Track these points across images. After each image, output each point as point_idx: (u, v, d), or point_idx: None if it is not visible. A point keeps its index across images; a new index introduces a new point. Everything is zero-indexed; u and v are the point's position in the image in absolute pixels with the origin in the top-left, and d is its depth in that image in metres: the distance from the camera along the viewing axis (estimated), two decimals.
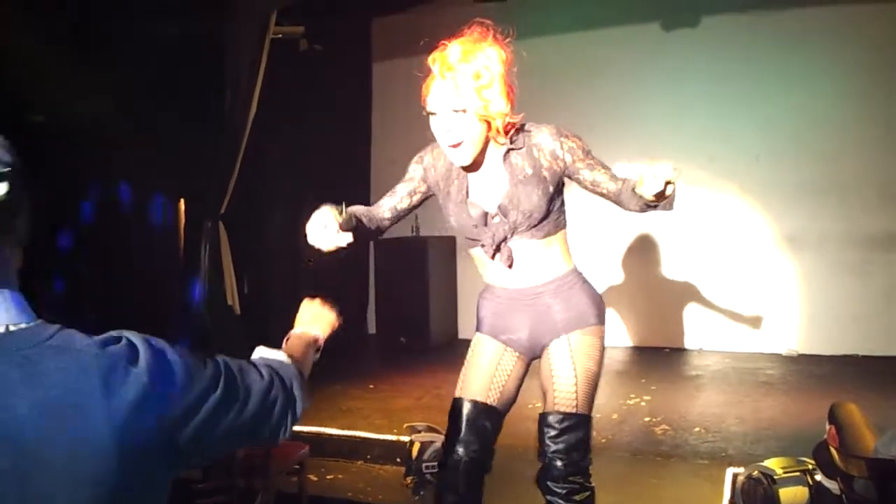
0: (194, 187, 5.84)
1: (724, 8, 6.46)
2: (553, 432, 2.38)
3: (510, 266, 2.42)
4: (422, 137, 8.57)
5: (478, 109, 2.25)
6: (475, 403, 2.45)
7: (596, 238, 6.89)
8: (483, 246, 2.41)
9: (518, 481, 3.68)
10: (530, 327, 2.49)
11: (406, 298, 6.94)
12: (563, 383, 2.42)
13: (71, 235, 5.55)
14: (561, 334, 2.45)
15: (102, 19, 5.27)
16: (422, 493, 3.77)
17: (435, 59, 2.29)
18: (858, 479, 2.67)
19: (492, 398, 2.48)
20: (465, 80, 2.23)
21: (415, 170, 2.56)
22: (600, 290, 7.33)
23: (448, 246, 7.41)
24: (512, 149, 2.39)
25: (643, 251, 6.81)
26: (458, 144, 2.30)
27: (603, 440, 4.31)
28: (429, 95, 2.30)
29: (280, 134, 6.47)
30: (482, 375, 2.49)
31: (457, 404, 2.49)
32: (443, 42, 2.33)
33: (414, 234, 7.26)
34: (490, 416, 2.46)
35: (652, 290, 6.80)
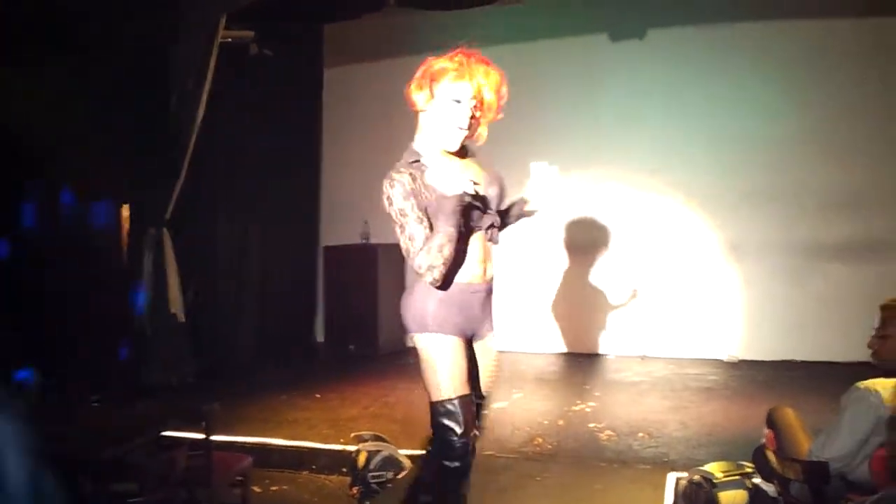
0: (138, 193, 5.73)
1: (671, 21, 6.60)
2: (485, 410, 2.89)
3: (497, 244, 2.76)
4: (373, 145, 8.55)
5: (486, 115, 2.70)
6: (464, 396, 2.66)
7: (543, 247, 6.96)
8: (490, 228, 2.70)
9: None
10: (479, 318, 2.77)
11: (355, 306, 6.90)
12: (493, 371, 2.89)
13: (9, 241, 5.39)
14: (490, 327, 2.85)
15: (45, 19, 5.14)
16: (367, 502, 3.74)
17: (462, 63, 2.63)
18: (794, 482, 2.73)
19: (469, 386, 2.70)
20: (489, 93, 2.67)
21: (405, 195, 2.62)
22: (546, 297, 7.41)
23: (398, 254, 7.34)
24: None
25: (589, 259, 6.89)
26: (462, 129, 2.65)
27: (549, 446, 4.34)
28: (454, 83, 2.60)
29: (228, 139, 6.39)
30: (464, 372, 2.68)
31: (452, 404, 2.64)
32: (462, 48, 2.69)
33: (363, 241, 7.23)
34: (471, 399, 2.72)
35: (597, 297, 6.88)
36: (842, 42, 6.23)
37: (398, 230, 2.60)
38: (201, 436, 3.24)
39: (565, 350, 6.92)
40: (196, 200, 6.10)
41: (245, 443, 4.39)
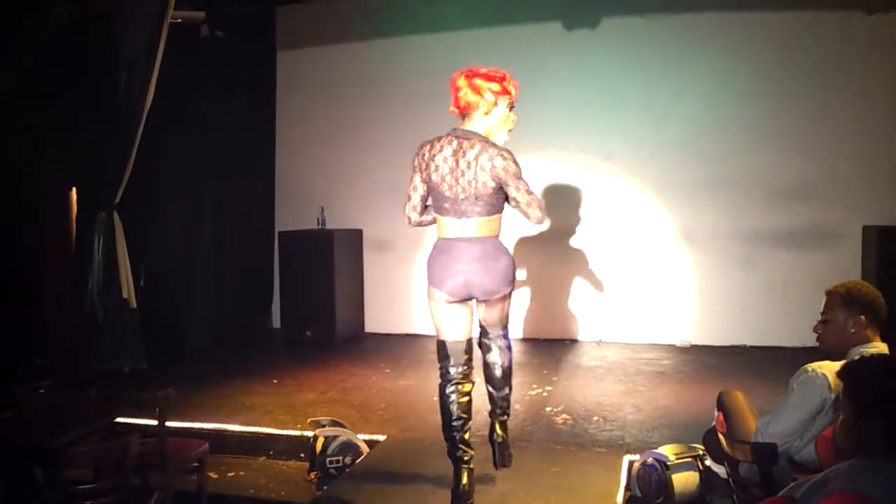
0: (88, 175, 5.59)
1: (623, 10, 6.67)
2: None
3: None
4: (328, 129, 8.44)
5: None
6: None
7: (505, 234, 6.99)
8: None
9: (423, 472, 3.70)
10: None
11: (312, 292, 6.83)
12: None
13: None
14: None
15: None
16: (325, 487, 3.74)
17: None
18: (743, 464, 2.81)
19: None
20: None
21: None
22: None
23: (355, 239, 7.36)
24: None
25: (545, 245, 6.92)
26: None
27: None
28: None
29: (180, 121, 6.27)
30: None
31: None
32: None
33: (320, 226, 7.18)
34: None
35: (553, 283, 6.94)
36: (790, 34, 6.36)
37: (514, 190, 3.16)
38: (155, 422, 3.20)
39: (522, 335, 6.98)
40: (147, 184, 5.98)
41: (200, 429, 4.35)
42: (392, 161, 7.37)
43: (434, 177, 3.18)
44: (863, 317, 2.65)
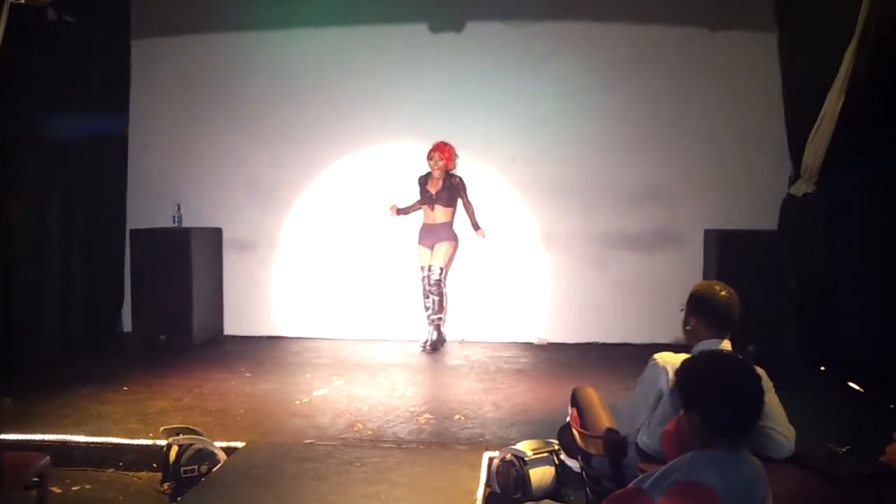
0: None
1: (488, 16, 6.82)
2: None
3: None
4: (185, 124, 8.08)
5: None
6: None
7: (364, 234, 6.99)
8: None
9: (283, 477, 3.64)
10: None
11: (167, 293, 6.53)
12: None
13: None
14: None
15: None
16: (179, 498, 3.59)
17: None
18: (595, 457, 2.94)
19: None
20: None
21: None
22: (370, 286, 7.49)
23: (214, 238, 7.11)
24: None
25: (406, 246, 6.95)
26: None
27: (369, 431, 4.38)
28: None
29: (24, 110, 5.82)
30: None
31: None
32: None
33: (176, 224, 6.89)
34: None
35: (417, 284, 6.98)
36: (642, 46, 6.74)
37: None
38: None
39: (384, 337, 6.98)
40: None
41: (41, 441, 4.09)
42: (252, 158, 7.19)
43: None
44: (697, 318, 2.81)
